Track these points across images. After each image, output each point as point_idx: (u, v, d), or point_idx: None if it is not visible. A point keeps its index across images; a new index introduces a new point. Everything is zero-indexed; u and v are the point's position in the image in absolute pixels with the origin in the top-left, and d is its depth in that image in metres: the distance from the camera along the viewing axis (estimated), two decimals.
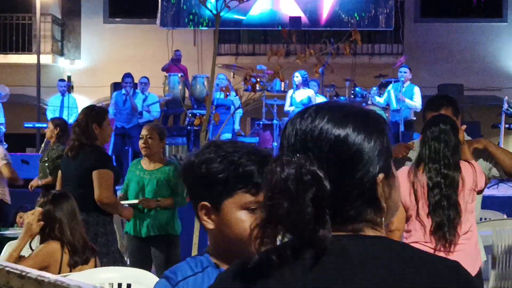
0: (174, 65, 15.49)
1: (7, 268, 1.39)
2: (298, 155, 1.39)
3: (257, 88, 5.83)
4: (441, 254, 4.23)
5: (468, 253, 4.31)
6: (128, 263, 6.40)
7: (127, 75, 13.61)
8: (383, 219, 1.45)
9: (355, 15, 16.33)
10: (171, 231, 6.27)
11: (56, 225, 4.42)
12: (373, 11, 16.33)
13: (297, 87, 12.69)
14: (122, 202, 6.20)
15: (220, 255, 2.05)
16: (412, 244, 4.37)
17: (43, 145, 13.83)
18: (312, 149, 1.40)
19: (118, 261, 5.71)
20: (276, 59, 5.68)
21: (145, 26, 19.12)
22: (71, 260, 4.36)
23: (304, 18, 16.28)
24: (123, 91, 13.45)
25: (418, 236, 4.40)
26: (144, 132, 6.34)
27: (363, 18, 16.33)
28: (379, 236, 1.43)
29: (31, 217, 4.47)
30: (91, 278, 3.86)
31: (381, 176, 1.44)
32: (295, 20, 15.64)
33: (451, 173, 4.34)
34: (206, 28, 17.13)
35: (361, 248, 1.38)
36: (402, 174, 4.44)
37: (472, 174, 4.44)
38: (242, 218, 1.99)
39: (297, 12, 16.33)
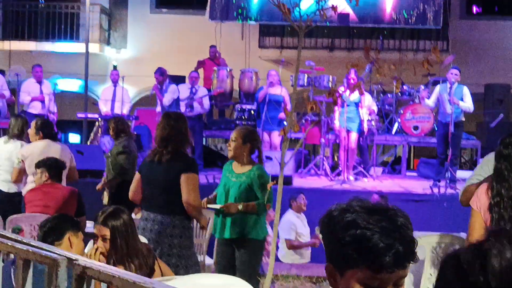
0: (210, 60, 15.62)
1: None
2: None
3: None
4: None
5: None
6: (214, 265, 6.50)
7: (156, 70, 13.63)
8: None
9: (403, 12, 16.30)
10: (253, 235, 6.23)
11: (118, 245, 4.41)
12: (421, 8, 16.28)
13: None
14: (209, 206, 6.27)
15: None
16: None
17: (92, 134, 14.03)
18: None
19: (193, 266, 5.84)
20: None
21: (191, 17, 19.26)
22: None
23: (353, 15, 16.28)
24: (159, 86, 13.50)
25: None
26: (231, 134, 6.41)
27: (411, 15, 16.30)
28: None
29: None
30: (187, 284, 3.95)
31: None
32: (343, 16, 15.62)
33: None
34: (254, 22, 17.24)
35: None
36: (483, 189, 4.53)
37: None
38: None
39: (345, 8, 16.31)
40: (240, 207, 6.18)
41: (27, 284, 1.98)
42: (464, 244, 4.74)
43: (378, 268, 1.97)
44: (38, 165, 7.32)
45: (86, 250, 5.33)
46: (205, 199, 6.32)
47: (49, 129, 8.47)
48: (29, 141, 8.78)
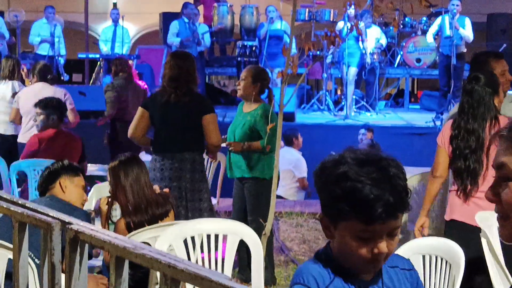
0: None
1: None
2: None
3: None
4: (459, 200, 4.55)
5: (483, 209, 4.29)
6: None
7: (189, 4, 13.44)
8: None
9: None
10: (258, 174, 6.18)
11: (121, 190, 4.57)
12: None
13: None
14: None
15: (343, 260, 2.13)
16: (450, 192, 4.61)
17: (94, 74, 14.02)
18: None
19: (208, 200, 5.98)
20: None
21: None
22: (136, 220, 4.50)
23: None
24: (186, 19, 13.15)
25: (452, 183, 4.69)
26: (242, 73, 6.35)
27: None
28: None
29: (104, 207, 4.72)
30: (187, 230, 4.01)
31: None
32: None
33: (471, 127, 4.53)
34: None
35: None
36: (448, 124, 4.73)
37: None
38: (351, 243, 2.05)
39: None
40: (244, 146, 6.15)
41: (23, 244, 2.02)
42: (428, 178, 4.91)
43: (369, 220, 2.00)
44: (44, 106, 7.24)
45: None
46: None
47: (44, 73, 8.42)
48: (22, 81, 8.88)
